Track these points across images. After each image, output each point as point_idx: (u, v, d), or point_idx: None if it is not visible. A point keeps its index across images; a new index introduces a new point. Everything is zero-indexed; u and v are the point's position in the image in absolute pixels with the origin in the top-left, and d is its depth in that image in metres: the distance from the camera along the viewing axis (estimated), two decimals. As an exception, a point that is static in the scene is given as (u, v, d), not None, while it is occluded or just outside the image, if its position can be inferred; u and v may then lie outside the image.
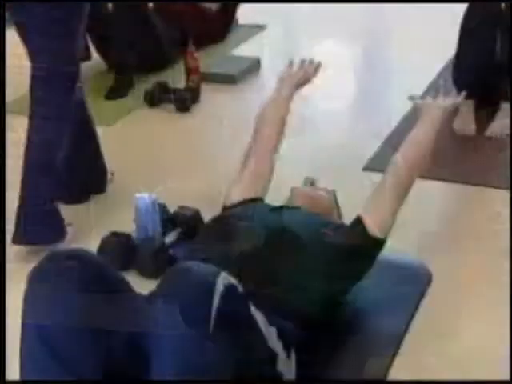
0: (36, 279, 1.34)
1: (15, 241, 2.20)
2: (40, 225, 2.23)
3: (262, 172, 2.05)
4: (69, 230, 2.30)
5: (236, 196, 1.96)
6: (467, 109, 2.99)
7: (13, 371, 1.55)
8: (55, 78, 2.25)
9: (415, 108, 2.19)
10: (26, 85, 2.35)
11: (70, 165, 2.34)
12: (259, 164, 2.05)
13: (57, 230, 2.25)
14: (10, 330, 1.64)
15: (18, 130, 2.49)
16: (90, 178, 2.57)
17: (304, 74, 2.26)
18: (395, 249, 2.13)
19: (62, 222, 2.28)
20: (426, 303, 1.93)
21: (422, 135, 2.00)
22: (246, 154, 2.10)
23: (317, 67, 2.28)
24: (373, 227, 1.81)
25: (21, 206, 2.21)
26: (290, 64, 2.27)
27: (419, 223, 2.34)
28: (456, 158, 2.78)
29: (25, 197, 2.22)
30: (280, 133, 2.14)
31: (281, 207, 1.90)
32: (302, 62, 2.28)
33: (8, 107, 2.58)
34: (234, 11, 4.42)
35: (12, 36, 2.39)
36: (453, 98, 2.17)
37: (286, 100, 2.19)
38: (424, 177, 2.56)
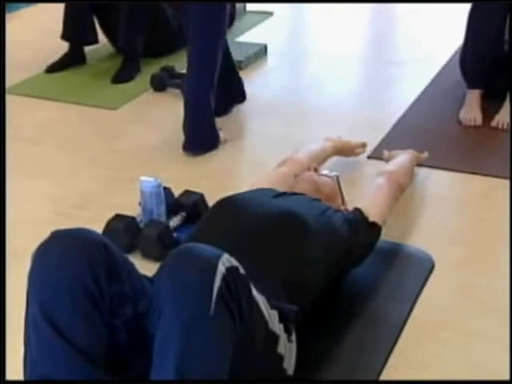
0: (40, 258, 1.35)
1: (185, 148, 2.77)
2: (204, 135, 2.78)
3: (287, 181, 2.09)
4: (221, 136, 2.82)
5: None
6: (473, 99, 2.99)
7: (13, 371, 1.58)
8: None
9: (384, 159, 2.51)
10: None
11: (221, 85, 2.84)
12: (288, 174, 2.11)
13: (216, 137, 2.79)
14: (11, 330, 1.66)
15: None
16: (233, 94, 3.11)
17: (350, 145, 2.58)
18: (398, 237, 2.14)
19: (218, 131, 2.81)
20: (427, 292, 1.94)
21: (401, 160, 2.38)
22: (281, 163, 2.23)
23: (362, 146, 2.61)
24: (371, 215, 1.92)
25: (188, 120, 2.74)
26: (340, 137, 2.59)
27: (424, 212, 2.35)
28: (462, 148, 2.78)
29: (192, 111, 2.73)
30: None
31: (284, 193, 1.92)
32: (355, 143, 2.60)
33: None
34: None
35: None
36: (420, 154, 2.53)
37: (326, 153, 2.43)
38: (430, 166, 2.59)
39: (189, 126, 2.77)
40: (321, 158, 2.37)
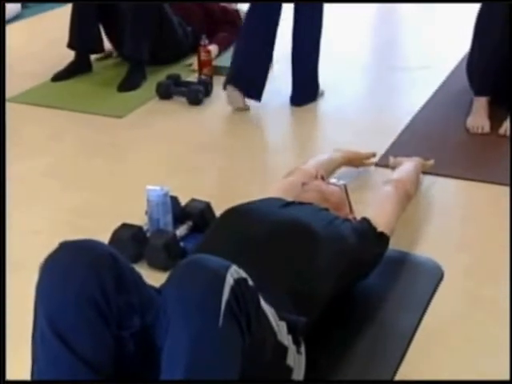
0: (48, 269, 1.34)
1: (292, 102, 3.25)
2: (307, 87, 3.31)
3: (294, 191, 2.07)
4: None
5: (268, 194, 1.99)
6: (481, 106, 2.97)
7: (13, 371, 1.57)
8: None
9: (390, 165, 2.51)
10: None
11: None
12: (296, 184, 2.10)
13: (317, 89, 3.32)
14: (11, 330, 1.66)
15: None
16: None
17: (360, 155, 2.57)
18: (407, 246, 2.13)
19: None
20: (437, 301, 1.92)
21: (407, 168, 2.36)
22: (288, 173, 2.22)
23: (372, 155, 2.61)
24: (379, 224, 1.90)
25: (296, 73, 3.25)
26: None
27: (431, 221, 2.33)
28: (469, 156, 2.77)
29: (300, 67, 3.24)
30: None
31: (292, 202, 1.91)
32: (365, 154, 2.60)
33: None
34: None
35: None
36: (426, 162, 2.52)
37: (335, 164, 2.44)
38: (437, 174, 2.57)
39: (297, 82, 3.26)
40: (330, 169, 2.37)
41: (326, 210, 1.90)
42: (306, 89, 3.30)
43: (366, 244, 1.82)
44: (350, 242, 1.78)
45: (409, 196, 2.19)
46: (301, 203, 1.91)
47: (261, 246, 1.65)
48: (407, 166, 2.39)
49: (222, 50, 3.90)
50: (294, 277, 1.61)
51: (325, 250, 1.69)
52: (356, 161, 2.57)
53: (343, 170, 2.57)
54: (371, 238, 1.86)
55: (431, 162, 2.53)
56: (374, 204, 2.08)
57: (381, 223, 1.91)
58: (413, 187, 2.26)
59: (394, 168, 2.45)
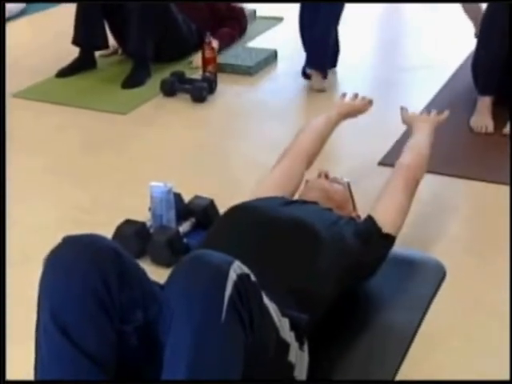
0: (51, 264, 1.35)
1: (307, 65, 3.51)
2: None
3: (292, 175, 2.06)
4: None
5: (262, 193, 1.96)
6: (484, 106, 2.97)
7: (13, 371, 1.58)
8: None
9: (402, 119, 2.36)
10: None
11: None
12: (292, 167, 2.07)
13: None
14: (15, 325, 1.67)
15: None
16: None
17: (355, 107, 2.40)
18: (409, 245, 2.13)
19: None
20: (439, 300, 1.92)
21: (419, 142, 2.13)
22: (281, 156, 2.13)
23: (368, 103, 2.43)
24: (384, 224, 1.84)
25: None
26: (343, 95, 2.42)
27: (435, 220, 2.33)
28: (473, 156, 2.77)
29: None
30: (317, 147, 2.19)
31: (296, 201, 1.91)
32: (355, 95, 2.42)
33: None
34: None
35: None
36: (440, 116, 2.31)
37: (332, 123, 2.28)
38: (440, 173, 2.57)
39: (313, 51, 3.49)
40: (325, 133, 2.23)
41: (330, 209, 1.88)
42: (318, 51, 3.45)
43: (369, 247, 1.78)
44: (353, 245, 1.75)
45: (418, 182, 2.01)
46: (304, 202, 1.90)
47: (263, 244, 1.65)
48: (420, 140, 2.14)
49: (223, 45, 3.89)
50: (295, 276, 1.61)
51: (327, 250, 1.68)
52: (353, 113, 2.41)
53: (345, 167, 2.57)
54: (375, 240, 1.81)
55: (445, 114, 2.32)
56: (381, 199, 1.93)
57: (386, 222, 1.84)
58: (424, 170, 2.06)
59: (405, 123, 2.34)
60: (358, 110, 2.42)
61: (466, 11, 3.49)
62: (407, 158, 2.05)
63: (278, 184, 2.02)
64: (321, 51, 3.44)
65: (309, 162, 2.14)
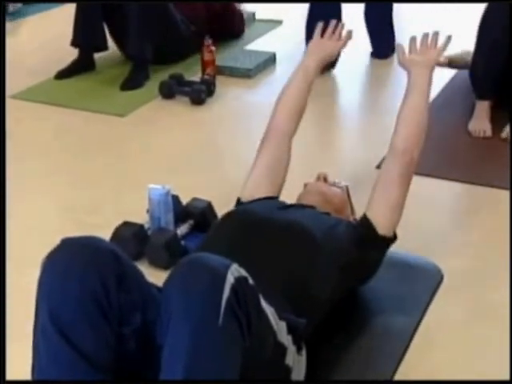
0: (50, 265, 1.35)
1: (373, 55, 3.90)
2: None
3: (276, 161, 2.00)
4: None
5: (251, 192, 1.95)
6: (483, 110, 2.98)
7: (13, 371, 1.58)
8: None
9: (398, 61, 2.05)
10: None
11: None
12: (273, 154, 2.01)
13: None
14: (14, 327, 1.67)
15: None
16: None
17: (333, 43, 2.14)
18: (407, 248, 2.13)
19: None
20: (436, 303, 1.93)
21: (415, 106, 1.90)
22: (262, 141, 2.05)
23: (348, 35, 2.16)
24: (380, 225, 1.79)
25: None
26: (318, 28, 2.15)
27: (432, 223, 2.34)
28: (471, 160, 2.77)
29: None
30: (298, 113, 2.06)
31: (293, 205, 1.90)
32: (331, 27, 2.16)
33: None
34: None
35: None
36: (438, 50, 2.05)
37: (311, 75, 2.08)
38: (438, 177, 2.58)
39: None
40: (305, 91, 2.07)
41: (328, 214, 1.87)
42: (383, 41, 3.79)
43: (366, 250, 1.77)
44: (350, 248, 1.74)
45: (416, 159, 1.85)
46: (302, 206, 1.90)
47: (261, 248, 1.65)
48: (416, 102, 1.91)
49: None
50: (292, 280, 1.61)
51: (324, 254, 1.67)
52: (329, 54, 2.16)
53: (343, 170, 2.56)
54: (372, 242, 1.79)
55: (444, 59, 2.11)
56: (376, 195, 1.83)
57: (382, 223, 1.80)
58: (421, 143, 1.86)
59: (401, 66, 2.03)
60: (338, 46, 2.17)
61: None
62: (402, 137, 1.85)
63: (264, 180, 1.97)
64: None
65: (292, 133, 2.05)
